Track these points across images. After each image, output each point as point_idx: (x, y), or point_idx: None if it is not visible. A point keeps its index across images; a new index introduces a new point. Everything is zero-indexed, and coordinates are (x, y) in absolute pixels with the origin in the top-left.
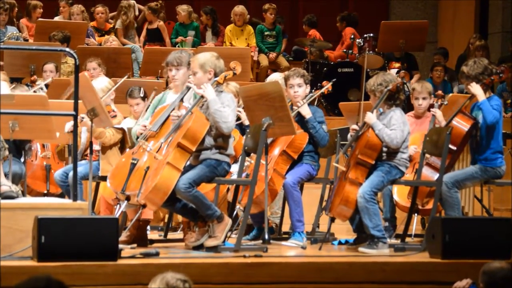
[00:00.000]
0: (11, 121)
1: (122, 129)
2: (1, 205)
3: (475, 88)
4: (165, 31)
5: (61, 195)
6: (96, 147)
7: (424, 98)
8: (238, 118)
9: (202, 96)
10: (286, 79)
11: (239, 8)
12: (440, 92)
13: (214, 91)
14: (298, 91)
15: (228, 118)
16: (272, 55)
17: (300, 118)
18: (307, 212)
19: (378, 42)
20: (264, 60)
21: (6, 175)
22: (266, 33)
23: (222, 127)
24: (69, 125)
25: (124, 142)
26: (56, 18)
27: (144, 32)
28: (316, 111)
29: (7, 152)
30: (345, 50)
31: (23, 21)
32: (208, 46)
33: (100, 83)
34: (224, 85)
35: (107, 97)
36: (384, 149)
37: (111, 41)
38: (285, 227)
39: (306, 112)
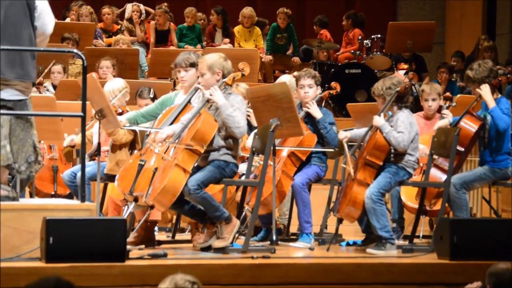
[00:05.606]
0: None
1: (134, 131)
2: (10, 207)
3: (485, 93)
4: (174, 33)
5: (68, 196)
6: (105, 147)
7: (433, 100)
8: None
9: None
10: (297, 79)
11: (248, 10)
12: (448, 94)
13: (223, 94)
14: (309, 92)
15: (240, 123)
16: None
17: (308, 119)
18: (315, 213)
19: (385, 43)
20: (267, 57)
21: (13, 176)
22: (278, 35)
23: (235, 132)
24: (68, 140)
25: (134, 143)
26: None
27: (153, 33)
28: (327, 113)
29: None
30: (352, 51)
31: None
32: (222, 47)
33: (116, 84)
34: (234, 86)
35: (121, 98)
36: (392, 150)
37: (122, 43)
38: (293, 228)
39: (317, 113)
